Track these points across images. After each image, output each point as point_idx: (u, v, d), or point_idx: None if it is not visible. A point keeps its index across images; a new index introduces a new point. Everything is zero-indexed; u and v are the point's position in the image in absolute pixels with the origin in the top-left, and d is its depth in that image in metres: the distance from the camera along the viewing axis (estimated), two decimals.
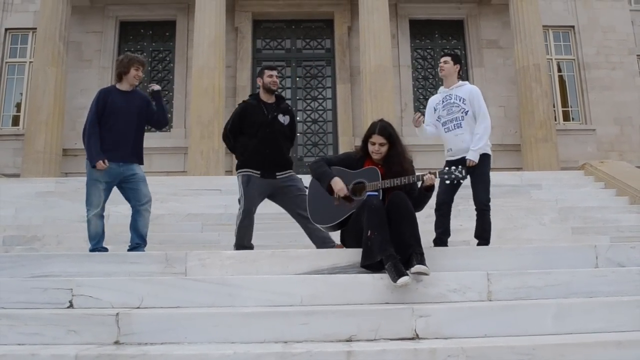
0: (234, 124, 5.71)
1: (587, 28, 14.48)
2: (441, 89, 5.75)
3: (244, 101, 5.88)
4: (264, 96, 5.71)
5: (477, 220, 5.48)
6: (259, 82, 5.76)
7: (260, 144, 5.52)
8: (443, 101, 5.61)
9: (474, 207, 5.49)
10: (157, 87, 5.83)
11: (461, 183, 5.14)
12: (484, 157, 5.40)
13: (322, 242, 5.47)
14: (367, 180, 4.58)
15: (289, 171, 5.65)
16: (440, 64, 5.75)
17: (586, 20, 14.52)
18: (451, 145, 5.52)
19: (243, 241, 5.62)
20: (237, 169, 5.71)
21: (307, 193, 5.03)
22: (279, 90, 5.83)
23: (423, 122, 5.63)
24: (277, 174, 5.55)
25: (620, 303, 3.61)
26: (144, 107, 5.73)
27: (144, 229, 5.59)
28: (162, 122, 5.90)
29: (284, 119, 5.68)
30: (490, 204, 5.50)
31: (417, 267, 3.82)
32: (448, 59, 5.67)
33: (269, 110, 5.63)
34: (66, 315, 3.50)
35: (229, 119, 5.84)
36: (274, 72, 5.71)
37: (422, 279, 3.87)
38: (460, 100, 5.49)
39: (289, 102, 13.47)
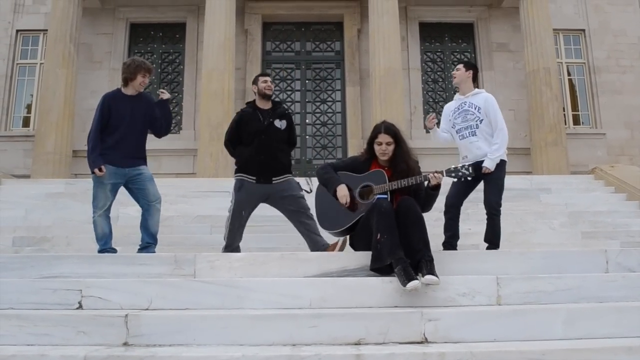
0: (231, 134, 5.85)
1: (598, 32, 14.42)
2: (457, 96, 5.74)
3: (240, 110, 5.95)
4: (259, 102, 5.80)
5: (487, 224, 5.47)
6: (254, 89, 5.86)
7: (255, 150, 5.62)
8: (458, 108, 5.61)
9: (484, 211, 5.48)
10: (166, 96, 5.84)
11: (472, 184, 5.15)
12: (500, 162, 5.39)
13: (314, 245, 5.57)
14: (374, 183, 4.58)
15: (286, 175, 5.72)
16: (453, 72, 5.76)
17: (597, 24, 14.45)
18: (466, 152, 5.52)
19: (233, 243, 5.71)
20: (234, 174, 5.83)
21: (303, 195, 5.05)
22: (274, 95, 5.89)
23: (437, 124, 5.63)
24: (274, 179, 5.63)
25: (630, 308, 3.59)
26: (149, 112, 5.74)
27: (154, 227, 5.60)
28: (162, 130, 5.89)
29: (280, 123, 5.76)
30: (501, 208, 5.48)
31: (427, 278, 3.80)
32: (460, 66, 5.67)
33: (265, 116, 5.72)
34: (75, 316, 3.51)
35: (228, 128, 5.97)
36: (268, 78, 5.83)
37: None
38: (475, 109, 5.49)
39: (298, 104, 13.64)
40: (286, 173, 5.72)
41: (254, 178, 5.61)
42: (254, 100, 5.86)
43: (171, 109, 6.07)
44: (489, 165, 5.30)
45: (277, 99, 5.97)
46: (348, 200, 4.57)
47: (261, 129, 5.65)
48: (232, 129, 5.85)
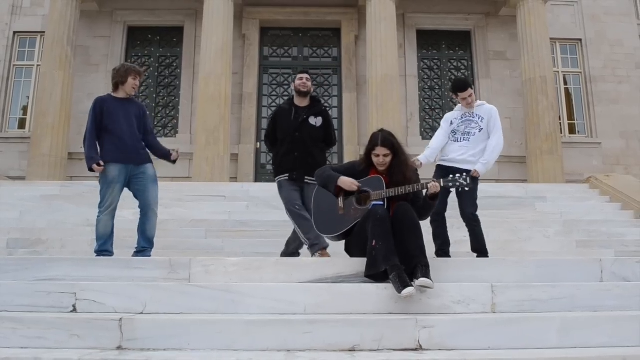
0: (268, 131, 5.93)
1: (595, 41, 14.48)
2: (459, 106, 5.76)
3: (278, 106, 5.99)
4: (297, 100, 5.80)
5: (470, 235, 5.56)
6: (293, 86, 5.86)
7: (289, 147, 5.63)
8: (462, 117, 5.68)
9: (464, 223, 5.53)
10: (174, 157, 5.89)
11: (447, 191, 5.18)
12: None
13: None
14: (371, 189, 4.57)
15: None
16: (465, 100, 5.67)
17: (593, 34, 14.51)
18: (449, 152, 5.59)
19: (311, 232, 5.35)
20: (274, 176, 5.87)
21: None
22: (316, 94, 5.90)
23: (420, 165, 5.59)
24: (307, 178, 5.56)
25: (625, 318, 3.59)
26: (141, 116, 5.77)
27: (151, 231, 5.60)
28: (151, 150, 5.88)
29: (315, 120, 5.74)
30: (478, 214, 5.55)
31: (422, 281, 3.80)
32: (470, 90, 5.64)
33: (300, 113, 5.71)
34: (69, 320, 3.49)
35: (267, 125, 6.03)
36: (304, 75, 5.80)
37: (426, 290, 3.86)
38: (479, 119, 5.62)
39: None
40: None
41: (287, 175, 5.61)
42: (293, 97, 5.87)
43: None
44: (480, 169, 5.39)
45: (316, 97, 5.95)
46: (357, 184, 4.56)
47: (295, 126, 5.65)
48: (268, 126, 5.92)
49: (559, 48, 14.52)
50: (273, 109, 13.72)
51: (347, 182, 4.58)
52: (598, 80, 14.24)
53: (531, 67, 12.76)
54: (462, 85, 5.67)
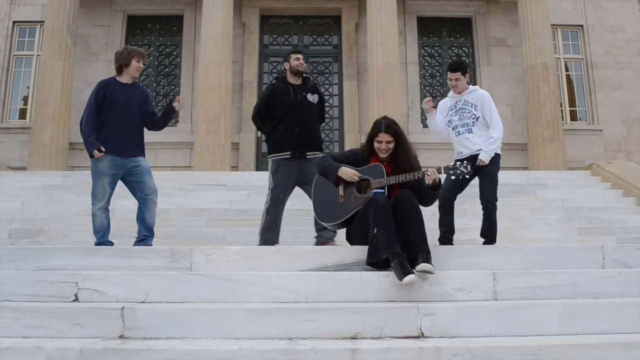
0: (260, 107, 5.86)
1: (596, 27, 14.41)
2: (451, 93, 5.71)
3: (271, 84, 5.98)
4: (291, 79, 5.82)
5: (484, 219, 5.49)
6: (286, 66, 5.88)
7: (289, 124, 5.63)
8: (455, 106, 5.61)
9: (480, 206, 5.49)
10: (177, 109, 5.83)
11: (467, 179, 5.16)
12: (494, 157, 5.42)
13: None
14: (371, 177, 4.56)
15: (318, 152, 5.67)
16: (451, 81, 5.62)
17: (595, 20, 14.43)
18: (462, 148, 5.54)
19: (267, 235, 5.61)
20: (268, 155, 5.81)
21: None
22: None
23: (434, 106, 5.60)
24: (308, 153, 5.58)
25: (626, 304, 3.60)
26: (144, 100, 5.74)
27: (151, 220, 5.59)
28: (156, 126, 5.86)
29: (312, 97, 5.81)
30: (497, 203, 5.49)
31: (423, 266, 3.81)
32: (458, 75, 5.56)
33: (297, 91, 5.74)
34: (71, 309, 3.50)
35: (257, 102, 6.02)
36: (300, 55, 5.85)
37: (428, 278, 3.86)
38: (471, 106, 5.52)
39: None
40: (318, 149, 5.73)
41: (288, 153, 5.60)
42: (285, 76, 5.88)
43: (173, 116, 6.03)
44: (484, 157, 5.33)
45: (305, 75, 5.98)
46: (357, 175, 4.56)
47: (295, 103, 5.68)
48: (261, 103, 5.87)
49: (560, 34, 14.45)
50: None
51: (347, 173, 4.57)
52: (599, 67, 14.18)
53: (532, 53, 12.70)
54: (454, 66, 5.63)
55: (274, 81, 6.03)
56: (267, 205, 5.69)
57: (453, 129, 5.60)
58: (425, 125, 13.03)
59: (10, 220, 7.63)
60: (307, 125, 5.68)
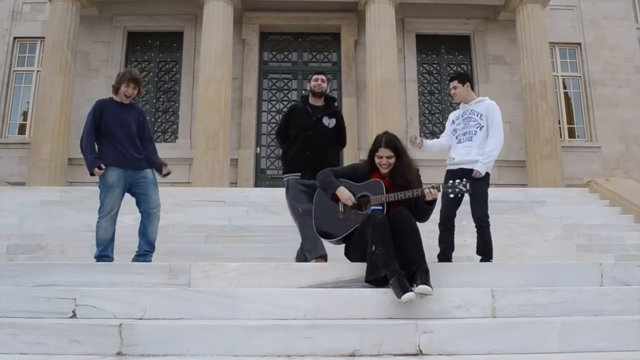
0: (280, 127, 5.95)
1: (594, 45, 14.50)
2: (462, 104, 5.78)
3: (293, 104, 6.01)
4: (312, 99, 5.86)
5: (478, 237, 5.50)
6: (308, 86, 5.93)
7: (301, 146, 5.65)
8: (463, 115, 5.70)
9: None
10: (164, 173, 5.86)
11: (463, 196, 5.18)
12: (484, 175, 5.42)
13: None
14: (371, 194, 4.57)
15: None
16: (451, 91, 5.81)
17: (592, 38, 14.53)
18: (455, 154, 5.58)
19: (316, 247, 5.40)
20: (282, 173, 5.90)
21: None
22: (329, 92, 5.95)
23: (421, 141, 5.69)
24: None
25: (625, 322, 3.59)
26: (140, 121, 5.78)
27: (153, 235, 5.60)
28: (148, 150, 5.87)
29: (329, 121, 5.79)
30: (490, 219, 5.50)
31: (421, 288, 3.81)
32: (455, 82, 5.72)
33: (314, 112, 5.76)
34: (69, 325, 3.49)
35: (280, 120, 6.06)
36: (320, 77, 5.87)
37: (426, 296, 3.85)
38: (477, 115, 5.58)
39: None
40: None
41: (299, 174, 5.61)
42: (308, 96, 5.92)
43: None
44: (481, 169, 5.35)
45: (332, 97, 6.01)
46: (353, 200, 4.56)
47: (309, 125, 5.69)
48: (282, 121, 5.96)
49: (558, 52, 14.54)
50: (273, 113, 13.76)
51: (344, 195, 4.59)
52: (597, 84, 14.25)
53: (530, 71, 12.76)
54: (453, 76, 5.82)
55: (298, 101, 6.07)
56: (298, 228, 5.62)
57: (456, 136, 5.65)
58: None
59: (9, 236, 7.61)
60: (320, 147, 5.65)
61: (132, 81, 5.65)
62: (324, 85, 5.83)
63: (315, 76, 5.86)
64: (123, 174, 5.50)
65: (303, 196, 5.59)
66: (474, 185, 5.21)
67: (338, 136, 5.91)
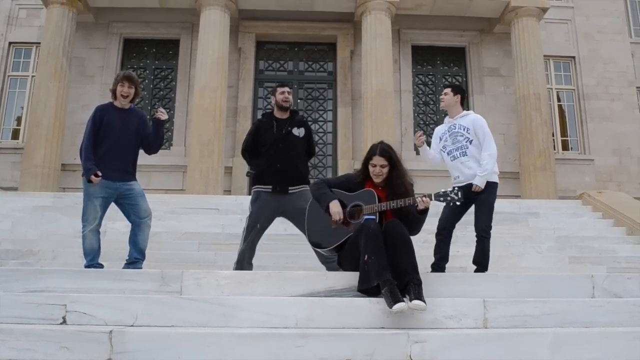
0: (247, 143, 5.83)
1: (588, 59, 14.60)
2: (446, 119, 5.81)
3: (257, 120, 5.98)
4: (277, 113, 5.79)
5: (477, 247, 5.48)
6: (273, 99, 5.86)
7: (272, 160, 5.59)
8: (448, 130, 5.69)
9: (474, 234, 5.49)
10: (164, 117, 5.79)
11: (464, 207, 5.19)
12: (490, 185, 5.43)
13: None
14: (363, 203, 4.57)
15: (302, 186, 5.63)
16: (441, 96, 5.86)
17: (587, 52, 14.64)
18: (457, 173, 5.57)
19: (243, 260, 5.61)
20: (251, 187, 5.83)
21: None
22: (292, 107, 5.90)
23: (424, 141, 5.68)
24: (290, 188, 5.56)
25: (616, 334, 3.60)
26: (141, 126, 5.73)
27: (143, 243, 5.57)
28: (153, 148, 5.85)
29: (298, 131, 5.74)
30: (492, 232, 5.50)
31: (414, 304, 3.77)
32: (448, 90, 5.77)
33: (282, 125, 5.69)
34: (59, 332, 3.47)
35: (245, 138, 5.94)
36: (285, 89, 5.79)
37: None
38: (464, 130, 5.56)
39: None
40: (303, 183, 5.66)
41: (270, 187, 5.57)
42: (272, 111, 5.87)
43: (165, 131, 6.02)
44: (479, 182, 5.34)
45: (294, 109, 5.97)
46: (342, 216, 4.56)
47: (279, 138, 5.63)
48: (248, 139, 5.84)
49: (552, 65, 14.63)
50: None
51: (334, 211, 4.57)
52: (591, 98, 14.34)
53: (525, 83, 12.83)
54: (449, 84, 5.83)
55: (261, 117, 6.03)
56: (243, 233, 5.69)
57: (448, 154, 5.64)
58: (418, 153, 13.11)
59: (0, 241, 7.58)
60: (290, 160, 5.61)
61: (126, 79, 5.61)
62: (290, 97, 5.79)
63: (281, 89, 5.78)
64: (106, 185, 5.42)
65: (266, 221, 5.67)
66: (479, 195, 5.21)
67: (307, 145, 5.85)
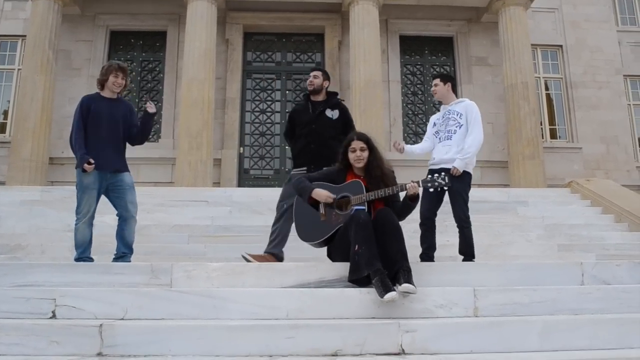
0: (286, 128, 6.12)
1: (575, 48, 14.66)
2: (442, 106, 5.85)
3: (296, 103, 6.12)
4: (312, 96, 5.94)
5: (460, 237, 5.52)
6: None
7: (306, 140, 5.72)
8: (443, 116, 5.76)
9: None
10: (152, 110, 5.78)
11: (444, 192, 5.22)
12: (464, 175, 5.44)
13: None
14: (351, 194, 4.58)
15: None
16: (432, 88, 5.90)
17: (574, 40, 14.69)
18: (435, 154, 5.64)
19: (274, 240, 5.63)
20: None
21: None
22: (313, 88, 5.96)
23: (403, 147, 5.77)
24: (325, 168, 5.51)
25: (605, 320, 3.62)
26: (128, 115, 5.72)
27: (130, 237, 5.55)
28: (137, 140, 5.83)
29: (332, 113, 5.84)
30: (471, 219, 5.52)
31: (404, 287, 3.81)
32: (437, 80, 5.83)
33: (316, 107, 5.83)
34: (49, 326, 3.45)
35: (286, 123, 6.21)
36: (312, 73, 5.96)
37: (409, 295, 3.86)
38: (457, 115, 5.62)
39: (278, 114, 13.64)
40: None
41: (305, 168, 5.63)
42: (308, 94, 6.00)
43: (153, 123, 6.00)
44: (459, 165, 5.36)
45: (333, 92, 6.07)
46: (331, 196, 4.56)
47: (312, 119, 5.75)
48: (287, 123, 6.12)
49: (540, 54, 14.67)
50: (256, 113, 13.74)
51: (322, 195, 4.60)
52: (578, 86, 14.41)
53: (513, 72, 12.86)
54: (437, 75, 5.92)
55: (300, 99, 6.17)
56: (276, 215, 5.77)
57: (437, 135, 5.72)
58: (407, 142, 13.12)
59: None
60: (324, 140, 5.67)
61: (120, 70, 5.64)
62: (316, 81, 5.87)
63: (312, 72, 5.95)
64: (99, 176, 5.42)
65: (292, 200, 5.61)
66: (453, 186, 5.23)
67: (345, 128, 5.87)
